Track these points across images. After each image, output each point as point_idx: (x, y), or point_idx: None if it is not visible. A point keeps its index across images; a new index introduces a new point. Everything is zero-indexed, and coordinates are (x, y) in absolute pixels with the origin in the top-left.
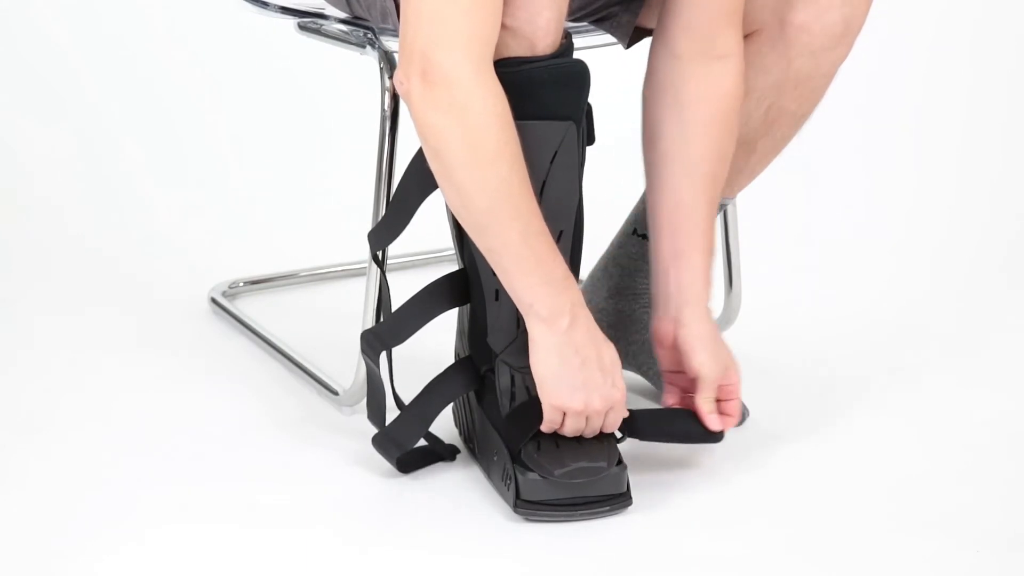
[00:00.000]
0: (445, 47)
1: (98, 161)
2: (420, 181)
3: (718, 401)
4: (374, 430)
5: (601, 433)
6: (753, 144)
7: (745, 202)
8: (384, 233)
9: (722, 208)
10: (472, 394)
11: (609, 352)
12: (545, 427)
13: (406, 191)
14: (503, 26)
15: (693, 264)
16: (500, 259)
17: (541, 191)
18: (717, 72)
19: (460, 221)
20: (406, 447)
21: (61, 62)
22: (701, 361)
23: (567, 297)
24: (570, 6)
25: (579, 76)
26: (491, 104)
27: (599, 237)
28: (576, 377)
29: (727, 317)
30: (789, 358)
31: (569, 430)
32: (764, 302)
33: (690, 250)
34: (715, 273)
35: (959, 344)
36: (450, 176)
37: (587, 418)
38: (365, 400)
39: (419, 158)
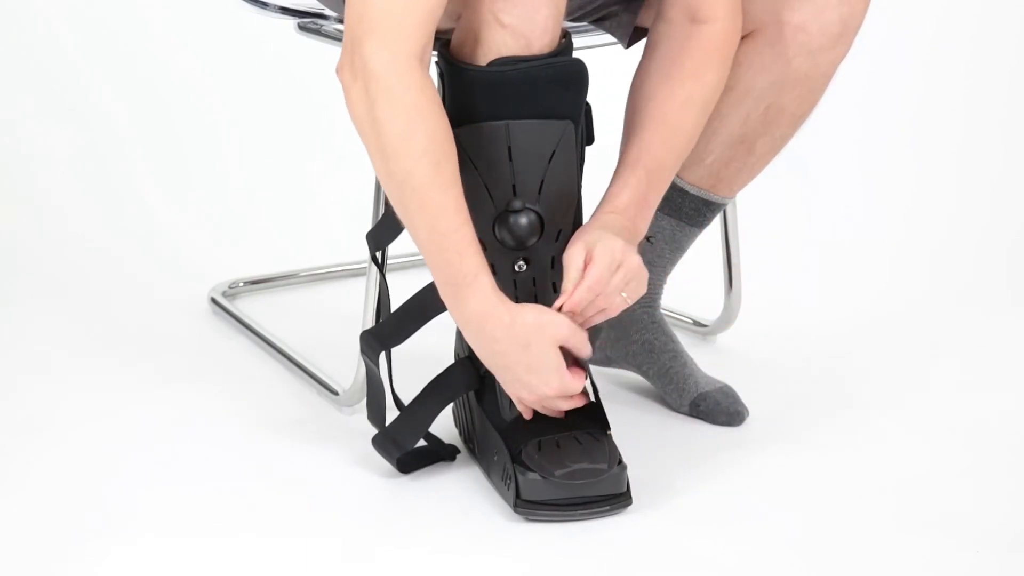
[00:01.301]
0: (370, 40)
1: (99, 161)
2: None
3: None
4: (374, 430)
5: (602, 434)
6: (752, 144)
7: (745, 202)
8: (383, 233)
9: (722, 208)
10: (472, 394)
11: (537, 344)
12: (521, 409)
13: None
14: (501, 24)
15: (609, 190)
16: (420, 250)
17: (539, 190)
18: (696, 32)
19: None
20: (406, 447)
21: (61, 62)
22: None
23: (473, 302)
24: (570, 5)
25: (577, 75)
26: (406, 98)
27: None
28: (513, 373)
29: (727, 317)
30: (789, 358)
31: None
32: (764, 302)
33: (613, 175)
34: (715, 273)
35: (959, 344)
36: (372, 162)
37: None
38: (365, 400)
39: None
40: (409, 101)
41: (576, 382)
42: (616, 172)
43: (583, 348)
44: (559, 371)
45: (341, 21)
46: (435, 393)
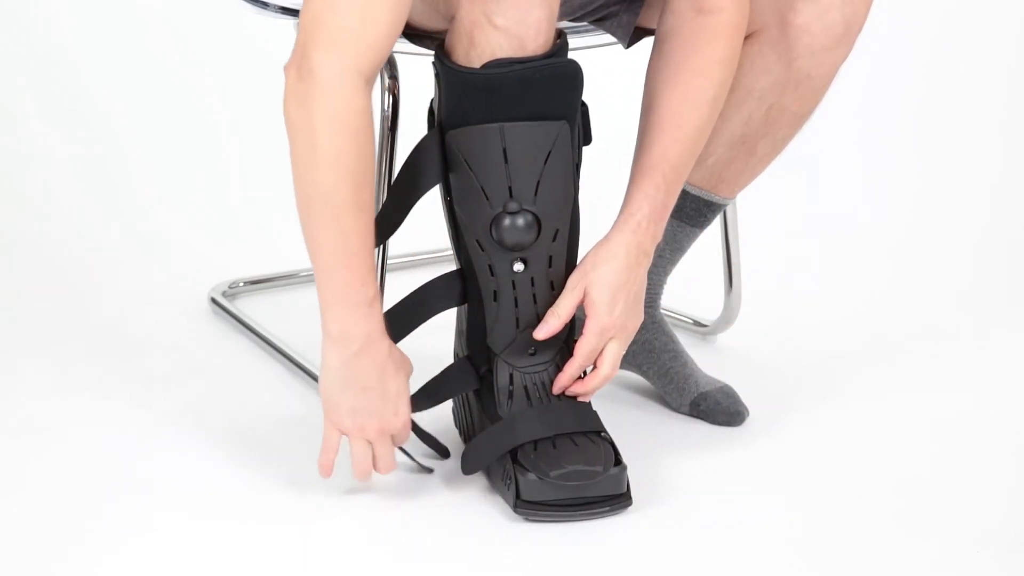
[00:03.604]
0: (324, 51)
1: (99, 161)
2: (414, 181)
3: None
4: None
5: (599, 435)
6: (754, 144)
7: (745, 202)
8: (377, 231)
9: (722, 208)
10: (472, 394)
11: (395, 383)
12: (323, 445)
13: (400, 189)
14: (494, 26)
15: (628, 194)
16: (313, 263)
17: (536, 191)
18: (704, 25)
19: None
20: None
21: (62, 62)
22: (581, 267)
23: (363, 325)
24: (570, 5)
25: (571, 76)
26: (347, 117)
27: (597, 237)
28: (355, 401)
29: (727, 317)
30: (789, 358)
31: (354, 452)
32: (764, 302)
33: (630, 182)
34: (715, 273)
35: (959, 344)
36: (292, 163)
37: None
38: None
39: (414, 158)
40: (349, 120)
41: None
42: (634, 177)
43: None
44: (407, 407)
45: None
46: (434, 393)
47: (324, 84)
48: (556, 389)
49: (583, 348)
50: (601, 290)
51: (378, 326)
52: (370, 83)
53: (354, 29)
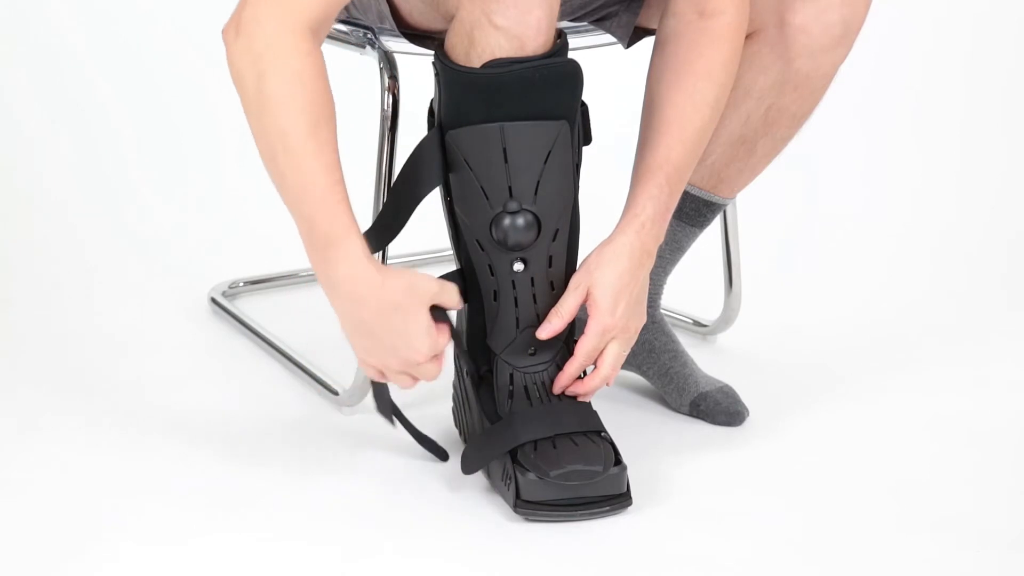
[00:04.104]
0: (261, 5)
1: (99, 161)
2: (415, 183)
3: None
4: (373, 430)
5: (599, 435)
6: (753, 144)
7: (745, 202)
8: (380, 235)
9: (722, 208)
10: (472, 393)
11: (402, 318)
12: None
13: (400, 192)
14: (494, 26)
15: (631, 195)
16: (290, 211)
17: (535, 191)
18: (706, 27)
19: None
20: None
21: (62, 62)
22: (584, 267)
23: (342, 267)
24: (570, 5)
25: (571, 76)
26: (291, 61)
27: (597, 236)
28: (365, 342)
29: (727, 317)
30: (789, 358)
31: (394, 382)
32: (764, 302)
33: (632, 184)
34: (715, 273)
35: (960, 343)
36: (248, 121)
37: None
38: (372, 395)
39: (414, 159)
40: (293, 64)
41: (442, 339)
42: (637, 179)
43: (452, 300)
44: (429, 333)
45: (342, 21)
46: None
47: (262, 32)
48: (556, 388)
49: (584, 348)
50: (604, 290)
51: (360, 259)
52: (315, 30)
53: None
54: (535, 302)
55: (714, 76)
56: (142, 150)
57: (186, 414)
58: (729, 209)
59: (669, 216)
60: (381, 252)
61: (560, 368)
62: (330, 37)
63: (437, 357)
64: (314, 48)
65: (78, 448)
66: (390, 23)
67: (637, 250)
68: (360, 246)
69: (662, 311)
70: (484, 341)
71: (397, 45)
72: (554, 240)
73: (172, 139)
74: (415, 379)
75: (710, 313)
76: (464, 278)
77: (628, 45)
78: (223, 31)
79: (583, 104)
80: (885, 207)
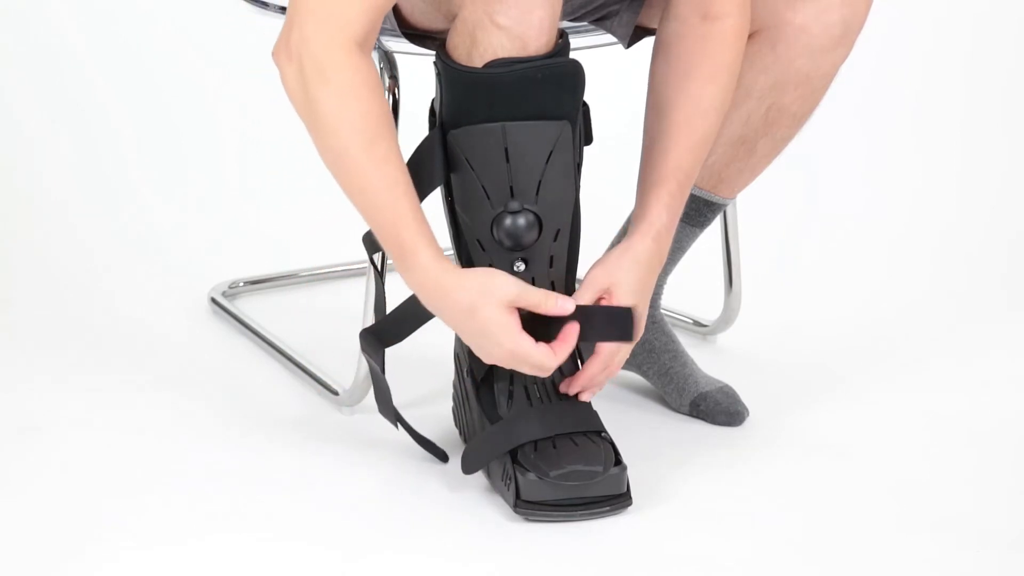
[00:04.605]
0: (308, 23)
1: (99, 161)
2: (416, 183)
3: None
4: (373, 431)
5: (599, 435)
6: (753, 144)
7: (745, 202)
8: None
9: (722, 208)
10: (472, 394)
11: (480, 319)
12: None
13: None
14: (496, 25)
15: (644, 203)
16: (368, 224)
17: (537, 191)
18: (709, 31)
19: None
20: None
21: (61, 62)
22: (602, 278)
23: (415, 275)
24: (571, 5)
25: (573, 76)
26: (340, 78)
27: (598, 237)
28: (469, 340)
29: (727, 317)
30: (789, 358)
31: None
32: (764, 302)
33: (644, 191)
34: (715, 273)
35: (960, 344)
36: (312, 141)
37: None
38: (374, 396)
39: (416, 159)
40: (343, 81)
41: (536, 351)
42: (650, 186)
43: (541, 304)
44: (508, 333)
45: None
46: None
47: (312, 53)
48: (573, 388)
49: (609, 348)
50: (626, 293)
51: (432, 267)
52: (365, 49)
53: (334, 3)
54: None
55: (719, 80)
56: (142, 150)
57: (186, 414)
58: (729, 209)
59: (677, 221)
60: (382, 252)
61: (561, 369)
62: None
63: (552, 346)
64: (364, 61)
65: (78, 448)
66: (391, 23)
67: (655, 257)
68: (430, 254)
69: (662, 311)
70: None
71: (397, 45)
72: (555, 240)
73: (172, 139)
74: (542, 368)
75: (710, 313)
76: None
77: (628, 45)
78: (274, 54)
79: (584, 104)
80: (885, 207)
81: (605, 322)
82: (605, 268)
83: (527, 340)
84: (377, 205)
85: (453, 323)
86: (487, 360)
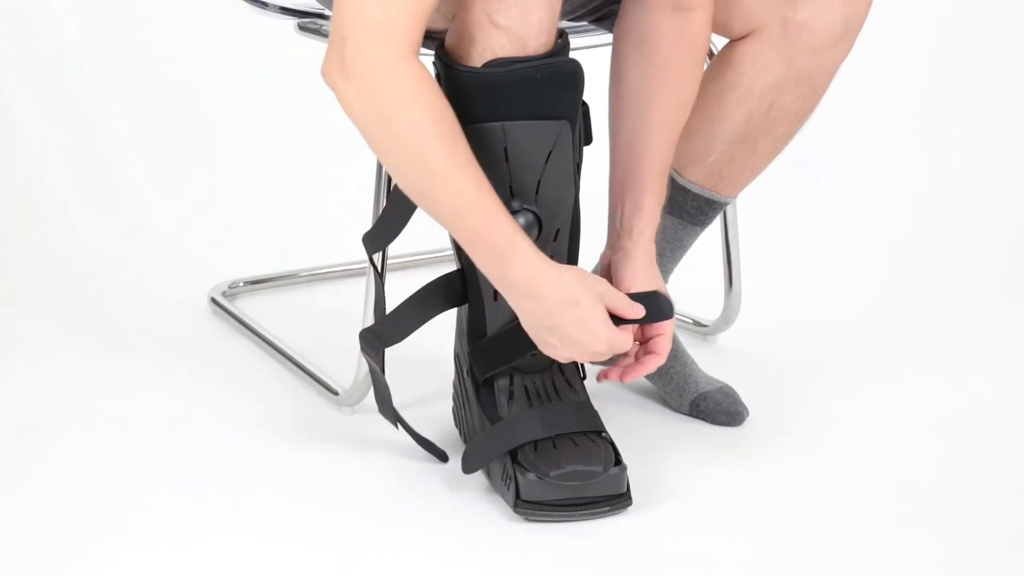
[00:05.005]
0: (363, 37)
1: (98, 161)
2: None
3: (645, 340)
4: (373, 431)
5: (599, 435)
6: (754, 143)
7: (745, 202)
8: (380, 236)
9: (723, 207)
10: (472, 394)
11: (578, 312)
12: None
13: (401, 195)
14: (495, 25)
15: (638, 201)
16: (452, 233)
17: (536, 190)
18: (682, 22)
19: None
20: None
21: (61, 62)
22: (628, 277)
23: (510, 273)
24: (570, 4)
25: (572, 75)
26: (408, 89)
27: (598, 236)
28: (550, 339)
29: (727, 317)
30: (789, 358)
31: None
32: (764, 302)
33: (636, 188)
34: (715, 273)
35: (959, 344)
36: (381, 158)
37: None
38: (373, 396)
39: None
40: (411, 91)
41: (625, 338)
42: (641, 184)
43: (623, 309)
44: (607, 325)
45: None
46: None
47: (375, 68)
48: (627, 378)
49: (666, 346)
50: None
51: (533, 260)
52: (415, 48)
53: (392, 12)
54: None
55: (695, 73)
56: (142, 150)
57: (186, 414)
58: (729, 209)
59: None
60: (381, 252)
61: (560, 369)
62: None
63: (624, 333)
64: (422, 68)
65: (78, 448)
66: None
67: (655, 255)
68: (530, 247)
69: None
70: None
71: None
72: (555, 240)
73: (172, 139)
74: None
75: (710, 313)
76: (464, 278)
77: None
78: (324, 73)
79: (584, 104)
80: (886, 206)
81: (654, 308)
82: (646, 271)
83: (619, 332)
84: (468, 207)
85: (549, 315)
86: (573, 357)
